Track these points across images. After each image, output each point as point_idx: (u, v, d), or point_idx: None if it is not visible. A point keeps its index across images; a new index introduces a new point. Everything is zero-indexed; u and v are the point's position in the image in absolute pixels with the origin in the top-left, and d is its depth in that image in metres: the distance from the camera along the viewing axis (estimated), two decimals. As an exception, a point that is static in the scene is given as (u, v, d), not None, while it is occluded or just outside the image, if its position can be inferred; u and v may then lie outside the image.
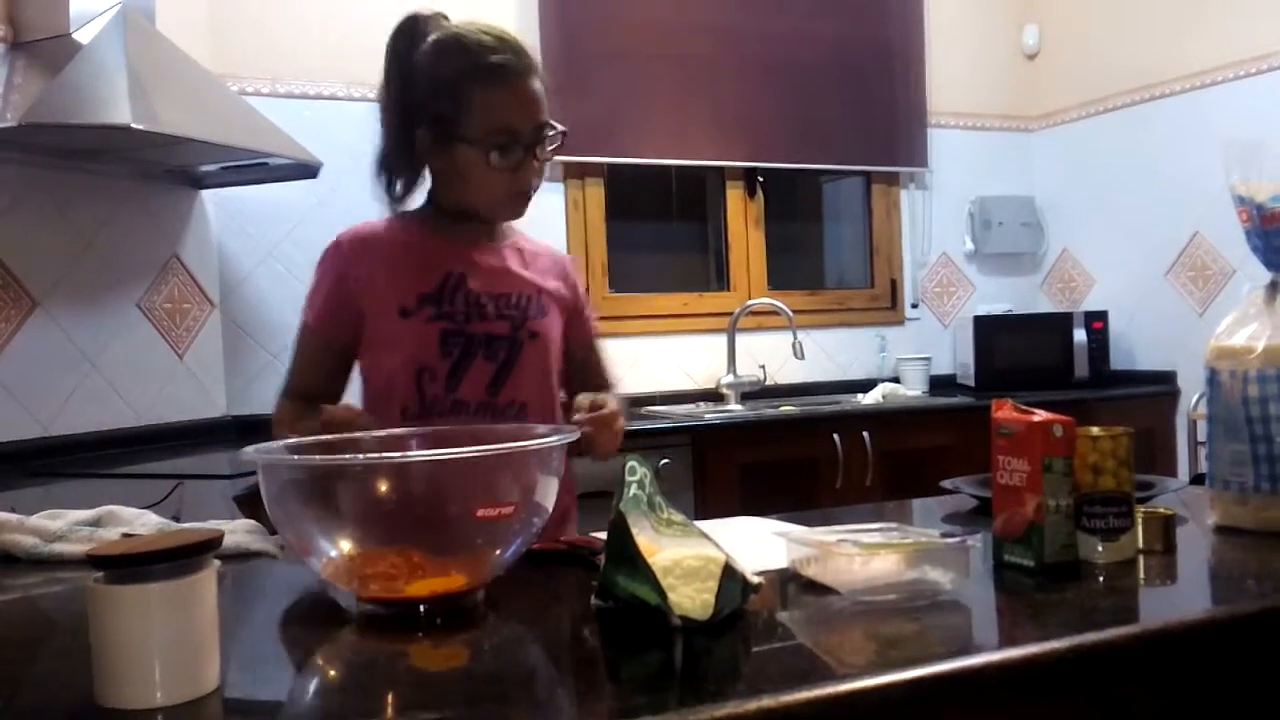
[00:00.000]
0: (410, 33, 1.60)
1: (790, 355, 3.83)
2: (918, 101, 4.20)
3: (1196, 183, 3.69)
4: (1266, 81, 3.58)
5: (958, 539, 1.06)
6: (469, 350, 1.60)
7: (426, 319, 1.59)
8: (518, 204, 1.64)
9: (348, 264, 1.64)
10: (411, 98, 1.59)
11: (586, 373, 1.78)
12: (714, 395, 3.83)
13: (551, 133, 1.60)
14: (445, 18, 1.63)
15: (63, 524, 1.46)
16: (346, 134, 3.38)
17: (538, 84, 1.58)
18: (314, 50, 3.38)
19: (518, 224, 1.75)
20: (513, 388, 1.61)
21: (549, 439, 1.07)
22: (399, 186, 1.65)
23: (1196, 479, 2.41)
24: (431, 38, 1.59)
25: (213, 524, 1.55)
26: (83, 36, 2.42)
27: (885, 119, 4.16)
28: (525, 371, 1.63)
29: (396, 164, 1.64)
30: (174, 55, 2.63)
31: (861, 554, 1.05)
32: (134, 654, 0.77)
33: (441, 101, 1.56)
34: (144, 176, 2.87)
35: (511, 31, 1.61)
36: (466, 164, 1.58)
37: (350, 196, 3.36)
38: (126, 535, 1.42)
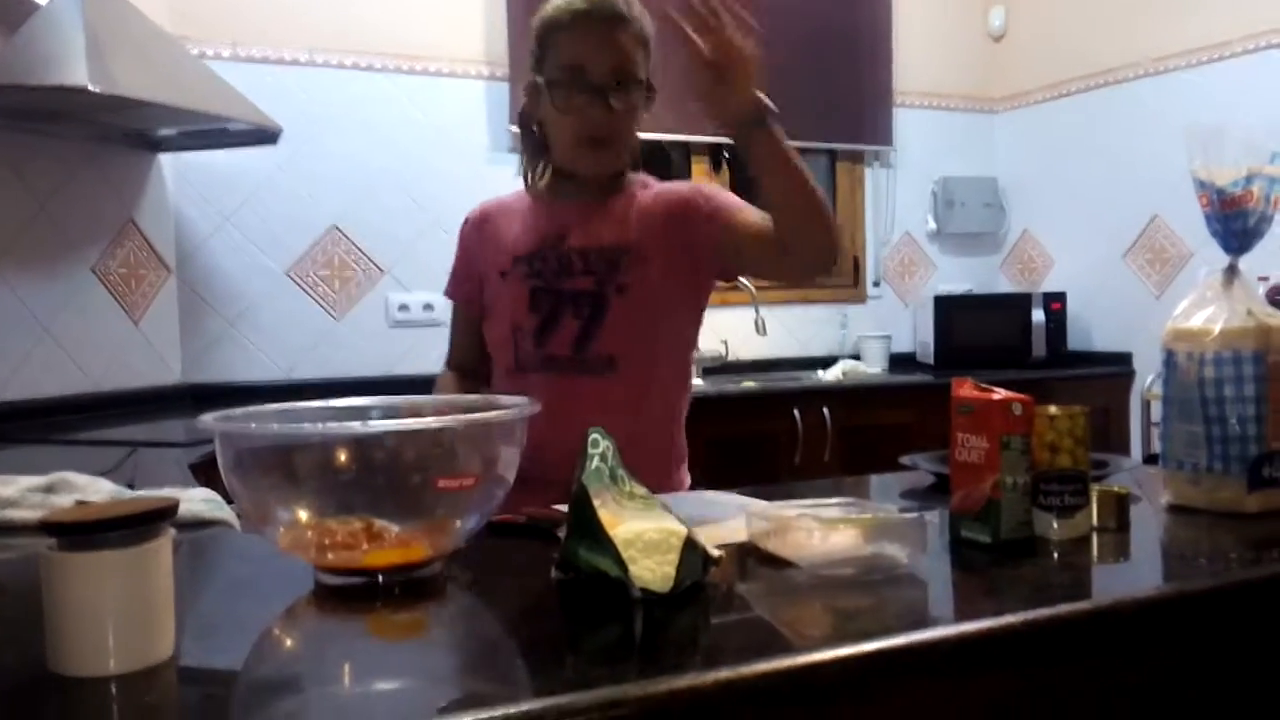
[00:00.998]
0: None
1: (752, 331, 3.84)
2: (883, 81, 4.21)
3: (1156, 167, 3.73)
4: (1227, 68, 3.62)
5: (915, 514, 1.07)
6: (557, 307, 1.61)
7: (520, 278, 1.63)
8: (591, 151, 1.59)
9: (471, 237, 1.74)
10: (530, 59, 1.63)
11: (750, 224, 1.61)
12: (676, 370, 3.82)
13: (630, 81, 1.56)
14: None
15: (15, 490, 1.44)
16: (307, 100, 3.35)
17: (623, 36, 1.55)
18: (276, 14, 3.33)
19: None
20: (601, 343, 1.61)
21: (509, 411, 1.06)
22: (527, 155, 1.70)
23: (1150, 458, 2.45)
24: None
25: (168, 492, 1.53)
26: (39, -5, 2.36)
27: (851, 98, 4.16)
28: (615, 326, 1.61)
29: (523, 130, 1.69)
30: (133, 17, 2.57)
31: (820, 528, 1.05)
32: (87, 621, 0.77)
33: (534, 55, 1.59)
34: (101, 139, 2.82)
35: None
36: (546, 114, 1.59)
37: (310, 163, 3.36)
38: (80, 502, 1.40)
